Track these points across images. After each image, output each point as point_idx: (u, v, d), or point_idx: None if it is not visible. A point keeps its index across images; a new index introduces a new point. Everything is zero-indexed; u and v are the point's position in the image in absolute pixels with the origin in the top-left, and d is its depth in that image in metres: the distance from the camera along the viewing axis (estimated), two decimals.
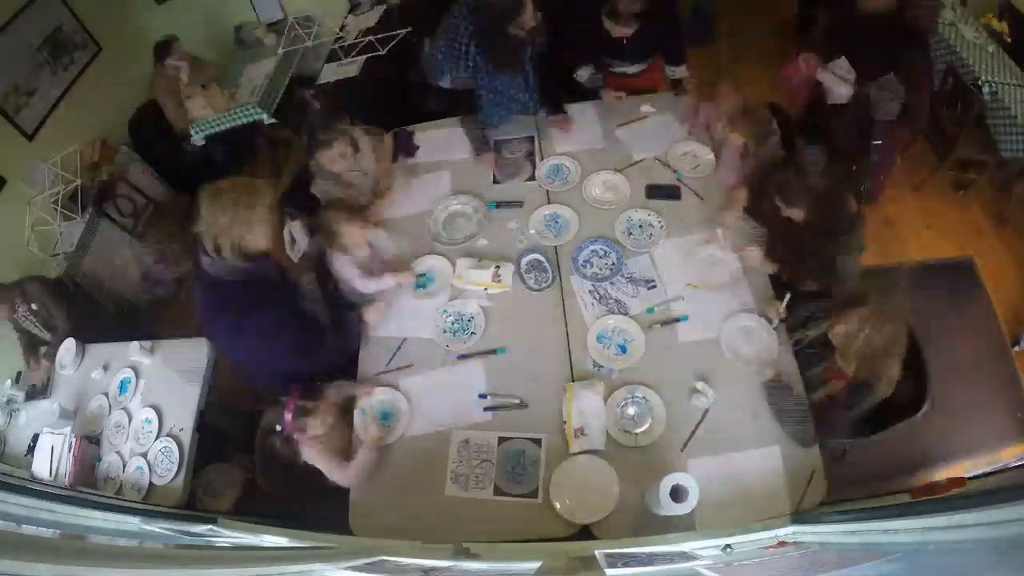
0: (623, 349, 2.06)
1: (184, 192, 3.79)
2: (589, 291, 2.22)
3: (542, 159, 2.67)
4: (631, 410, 1.91)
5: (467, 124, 2.71)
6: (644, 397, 1.93)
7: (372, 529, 1.82)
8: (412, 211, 2.57)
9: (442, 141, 2.82)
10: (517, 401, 1.99)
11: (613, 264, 2.26)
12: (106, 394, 2.46)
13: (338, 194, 2.43)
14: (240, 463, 2.47)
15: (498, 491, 1.85)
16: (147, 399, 2.38)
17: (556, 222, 2.44)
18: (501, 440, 1.94)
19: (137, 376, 2.45)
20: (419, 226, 2.50)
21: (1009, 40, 3.27)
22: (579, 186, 2.52)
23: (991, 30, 3.30)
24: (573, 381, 2.00)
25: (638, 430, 1.88)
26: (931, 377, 1.91)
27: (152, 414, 2.32)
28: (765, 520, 1.60)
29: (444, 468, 1.90)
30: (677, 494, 1.58)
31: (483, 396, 2.03)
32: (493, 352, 2.11)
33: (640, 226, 2.38)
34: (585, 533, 1.74)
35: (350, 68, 3.66)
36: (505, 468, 1.88)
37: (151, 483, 2.18)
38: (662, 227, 2.35)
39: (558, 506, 1.77)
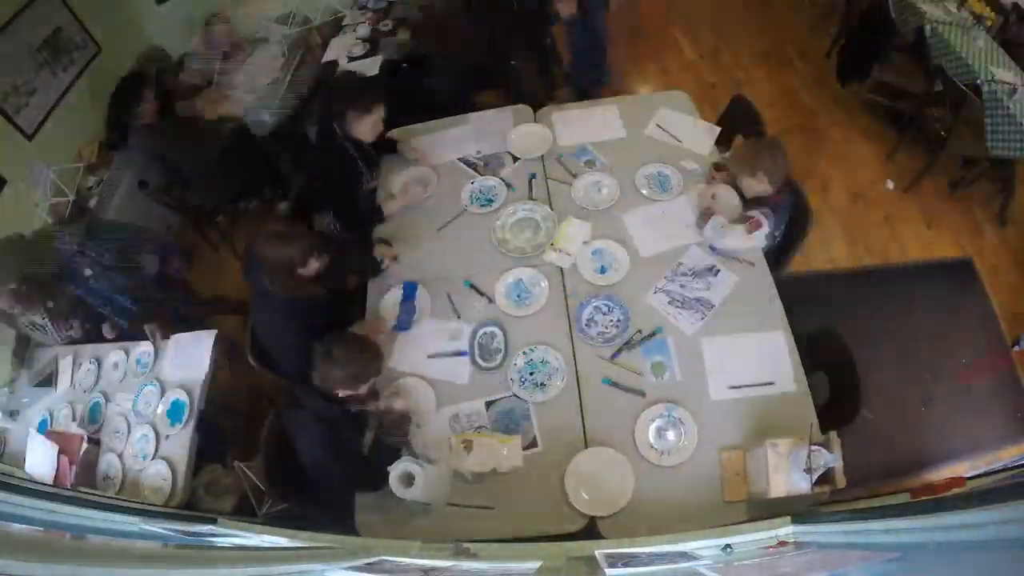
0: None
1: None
2: (668, 303, 2.13)
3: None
4: (670, 434, 1.85)
5: None
6: (680, 419, 1.87)
7: (378, 526, 1.82)
8: None
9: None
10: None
11: (619, 321, 2.09)
12: (106, 394, 2.46)
13: None
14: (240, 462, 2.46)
15: None
16: (147, 399, 2.36)
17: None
18: (488, 404, 2.01)
19: (136, 377, 2.44)
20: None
21: (990, 23, 3.28)
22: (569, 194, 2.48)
23: (976, 14, 3.29)
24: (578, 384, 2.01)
25: (667, 451, 1.83)
26: (865, 386, 1.86)
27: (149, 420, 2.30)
28: (765, 520, 1.59)
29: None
30: (408, 479, 1.74)
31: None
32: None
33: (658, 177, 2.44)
34: (587, 533, 1.74)
35: (369, 66, 3.59)
36: (500, 428, 1.95)
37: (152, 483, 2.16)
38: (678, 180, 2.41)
39: (571, 495, 1.77)
